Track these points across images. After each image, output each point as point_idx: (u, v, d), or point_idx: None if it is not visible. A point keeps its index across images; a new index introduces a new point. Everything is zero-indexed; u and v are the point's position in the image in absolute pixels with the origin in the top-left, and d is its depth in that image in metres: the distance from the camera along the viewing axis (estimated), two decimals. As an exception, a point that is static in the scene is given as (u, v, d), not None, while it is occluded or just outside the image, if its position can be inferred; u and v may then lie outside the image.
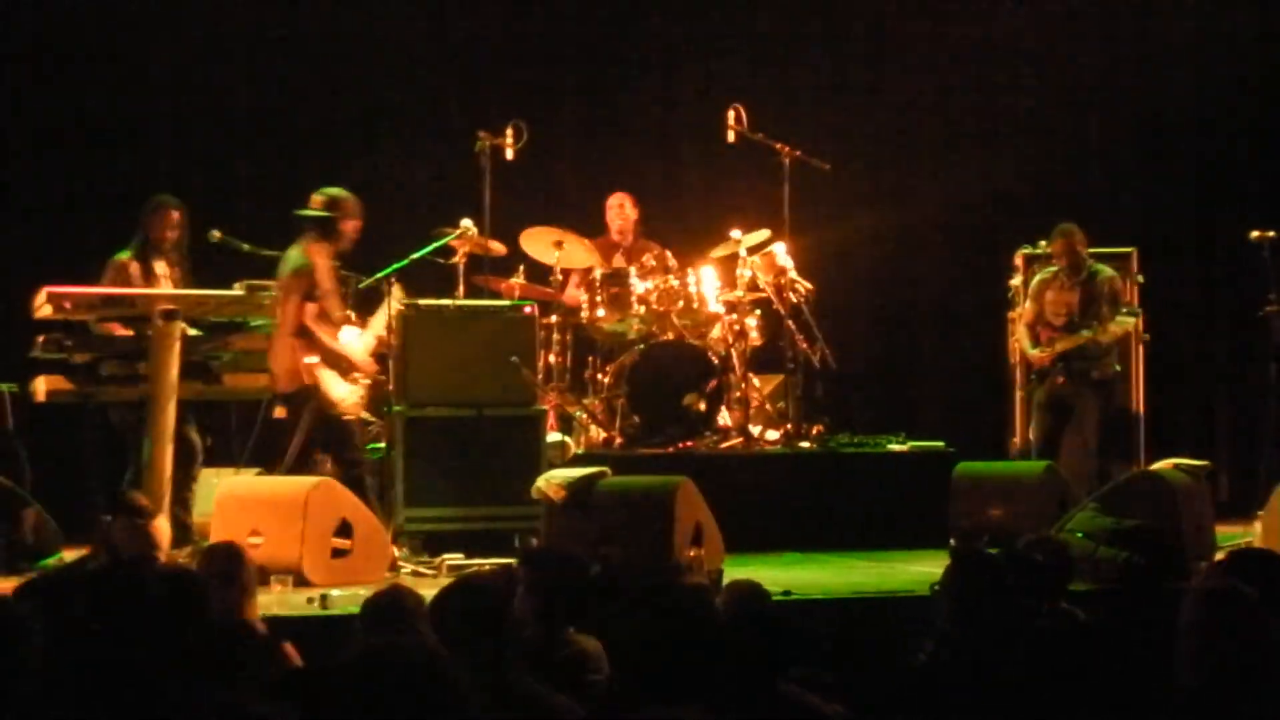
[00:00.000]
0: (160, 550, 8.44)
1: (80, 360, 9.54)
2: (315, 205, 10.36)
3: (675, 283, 11.87)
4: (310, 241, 10.24)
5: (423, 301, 10.76)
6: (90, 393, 9.66)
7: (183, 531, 9.78)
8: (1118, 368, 11.91)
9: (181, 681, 4.64)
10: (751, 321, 12.05)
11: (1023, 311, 12.02)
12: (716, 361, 11.73)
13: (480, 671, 4.99)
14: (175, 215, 10.36)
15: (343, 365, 10.18)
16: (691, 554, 8.83)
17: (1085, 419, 11.59)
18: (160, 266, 10.26)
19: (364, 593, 8.29)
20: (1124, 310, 11.78)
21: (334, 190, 10.39)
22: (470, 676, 4.13)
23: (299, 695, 4.69)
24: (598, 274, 11.96)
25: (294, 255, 10.23)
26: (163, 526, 8.73)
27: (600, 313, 11.89)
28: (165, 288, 10.12)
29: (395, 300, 10.43)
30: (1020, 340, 12.00)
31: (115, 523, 8.44)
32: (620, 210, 12.64)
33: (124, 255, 10.18)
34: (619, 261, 12.31)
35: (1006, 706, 5.24)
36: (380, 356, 10.40)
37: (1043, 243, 12.22)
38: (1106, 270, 11.86)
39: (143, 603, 4.83)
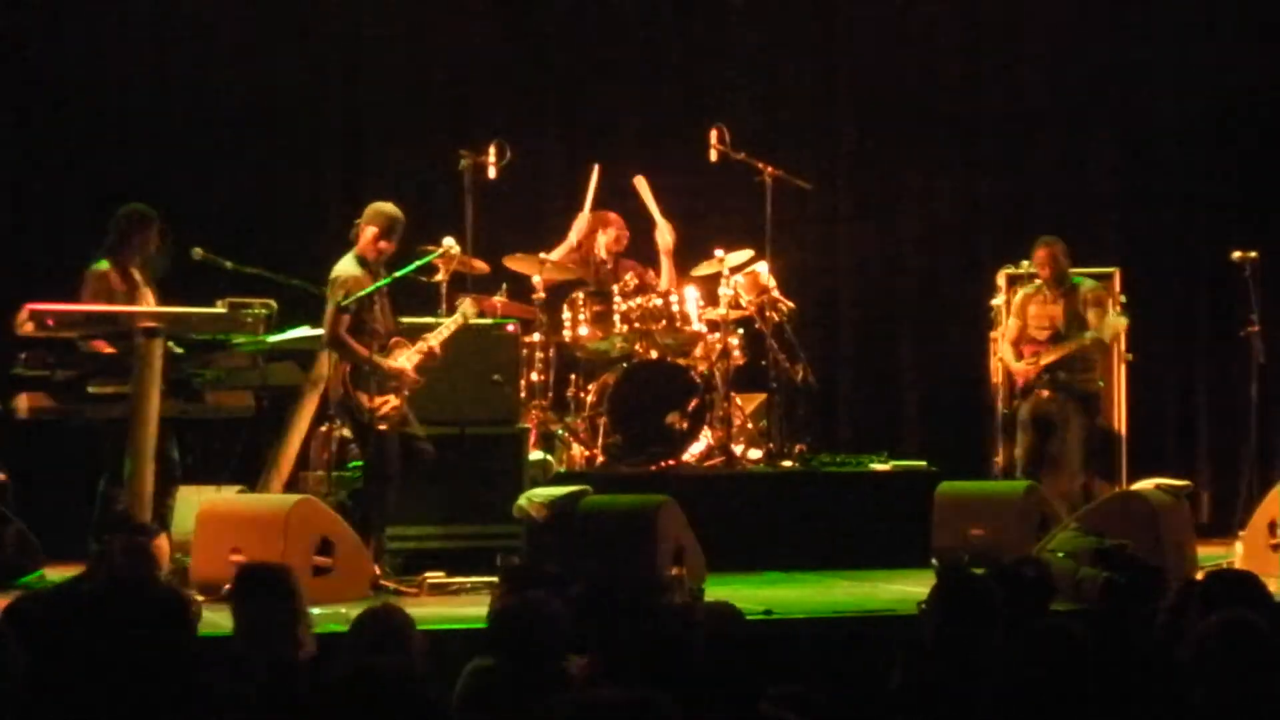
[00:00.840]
0: (161, 568, 8.42)
1: (63, 377, 9.53)
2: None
3: (658, 302, 11.88)
4: (349, 252, 10.26)
5: (405, 320, 10.76)
6: (73, 410, 9.65)
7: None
8: (1101, 383, 11.92)
9: (177, 703, 4.62)
10: (734, 341, 12.06)
11: (1005, 330, 12.05)
12: (699, 380, 11.74)
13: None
14: (153, 227, 10.30)
15: (377, 376, 10.06)
16: (673, 572, 8.84)
17: (1070, 435, 11.60)
18: (138, 276, 10.22)
19: (345, 611, 8.33)
20: (1115, 311, 11.83)
21: (375, 204, 10.42)
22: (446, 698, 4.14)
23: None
24: (580, 294, 11.96)
25: (335, 267, 10.25)
26: (163, 545, 8.72)
27: (583, 331, 11.90)
28: (148, 298, 10.08)
29: (465, 313, 10.42)
30: (1004, 358, 12.01)
31: (115, 541, 8.41)
32: (616, 235, 12.50)
33: (103, 265, 10.10)
34: (602, 278, 12.29)
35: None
36: (424, 370, 10.31)
37: (1025, 262, 12.24)
38: (1089, 281, 11.90)
39: (142, 624, 4.80)
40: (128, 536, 8.41)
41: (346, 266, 10.14)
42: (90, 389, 9.56)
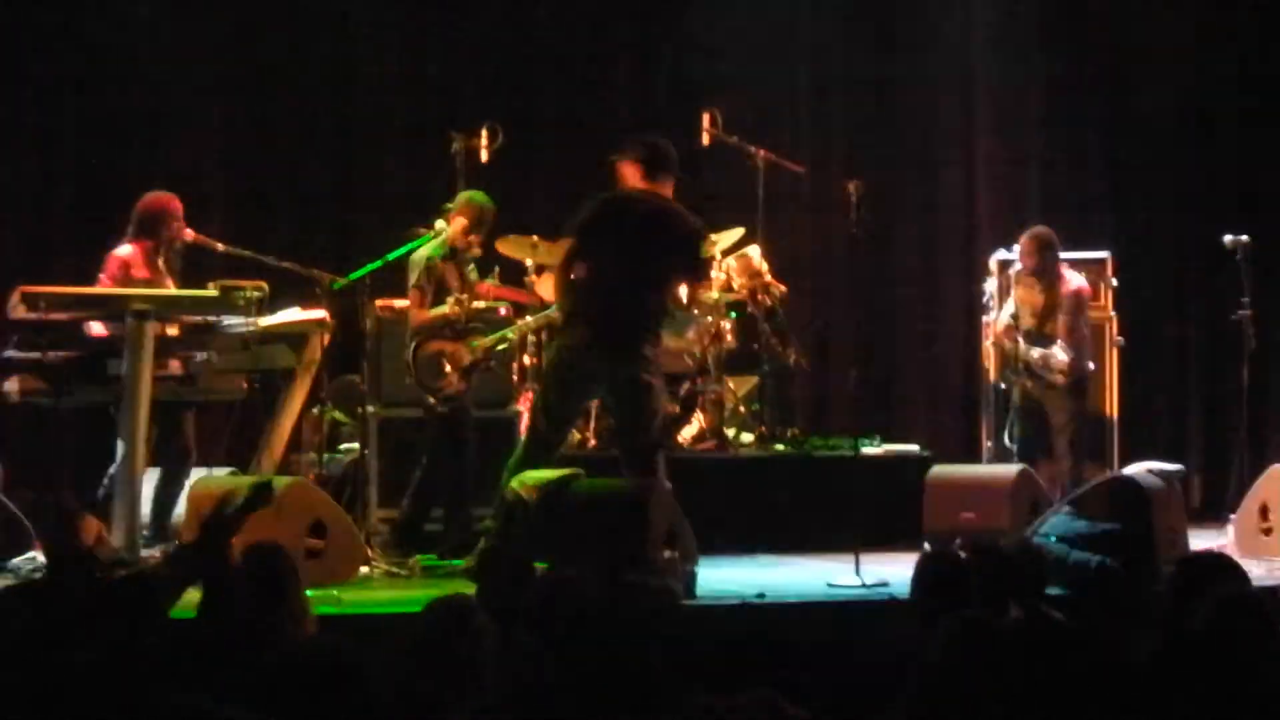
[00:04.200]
0: (99, 548, 8.36)
1: (55, 360, 9.51)
2: None
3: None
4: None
5: (397, 303, 10.77)
6: (64, 393, 9.63)
7: (158, 531, 9.80)
8: (1091, 366, 11.83)
9: (134, 685, 4.60)
10: (726, 324, 12.06)
11: (999, 313, 11.96)
12: (691, 364, 11.74)
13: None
14: (179, 214, 10.31)
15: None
16: (665, 556, 8.83)
17: (1055, 419, 11.55)
18: (162, 265, 10.21)
19: (337, 593, 8.34)
20: (1058, 347, 11.57)
21: (465, 191, 10.66)
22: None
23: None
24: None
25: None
26: (90, 524, 8.64)
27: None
28: (169, 288, 10.07)
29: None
30: (999, 337, 11.90)
31: (41, 525, 8.41)
32: None
33: (125, 251, 10.09)
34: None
35: (982, 709, 5.24)
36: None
37: (1016, 246, 12.24)
38: (1075, 283, 11.70)
39: (83, 607, 4.79)
40: (51, 519, 8.39)
41: (420, 250, 10.33)
42: (78, 372, 9.54)
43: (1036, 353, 11.47)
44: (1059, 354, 11.41)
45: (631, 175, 9.67)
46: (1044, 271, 11.57)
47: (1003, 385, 11.75)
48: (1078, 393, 11.63)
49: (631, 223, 9.50)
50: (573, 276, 9.52)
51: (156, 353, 9.44)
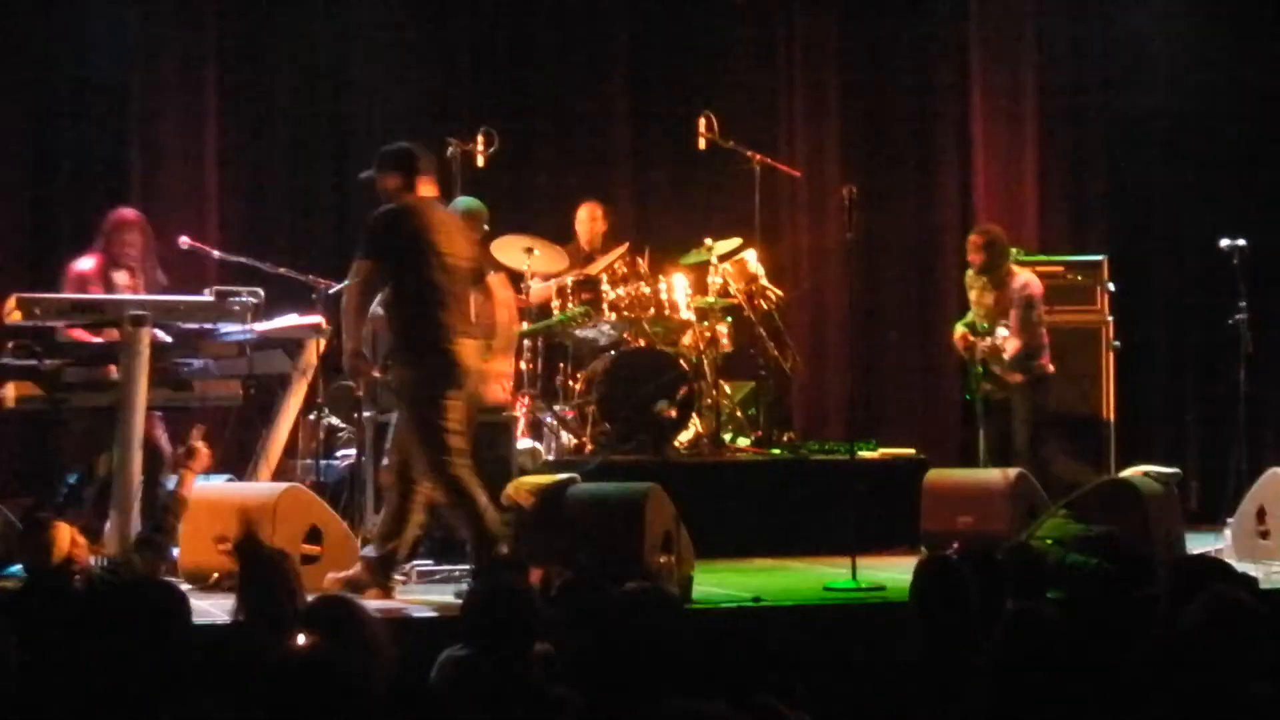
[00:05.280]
0: (75, 554, 8.32)
1: (50, 366, 9.51)
2: None
3: (646, 290, 11.87)
4: None
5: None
6: (60, 399, 9.62)
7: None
8: (1051, 369, 11.75)
9: (132, 696, 4.59)
10: (722, 328, 12.07)
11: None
12: (687, 368, 11.74)
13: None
14: (134, 230, 10.32)
15: None
16: (661, 560, 8.83)
17: (1015, 417, 11.47)
18: (121, 277, 10.21)
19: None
20: (1001, 327, 11.55)
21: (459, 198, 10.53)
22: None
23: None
24: (569, 280, 11.95)
25: None
26: (61, 534, 8.60)
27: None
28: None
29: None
30: (955, 345, 11.83)
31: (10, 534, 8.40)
32: (591, 221, 12.63)
33: (84, 265, 10.12)
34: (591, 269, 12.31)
35: (978, 709, 5.25)
36: None
37: (1013, 249, 12.25)
38: (1023, 277, 11.62)
39: (63, 618, 4.77)
40: (19, 528, 8.36)
41: None
42: (73, 378, 9.54)
43: (986, 342, 11.47)
44: (1001, 331, 11.40)
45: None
46: (991, 269, 11.53)
47: (968, 396, 11.67)
48: (1036, 390, 11.51)
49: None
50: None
51: (112, 359, 9.42)
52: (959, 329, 11.71)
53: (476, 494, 8.91)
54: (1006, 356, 11.42)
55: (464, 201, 10.47)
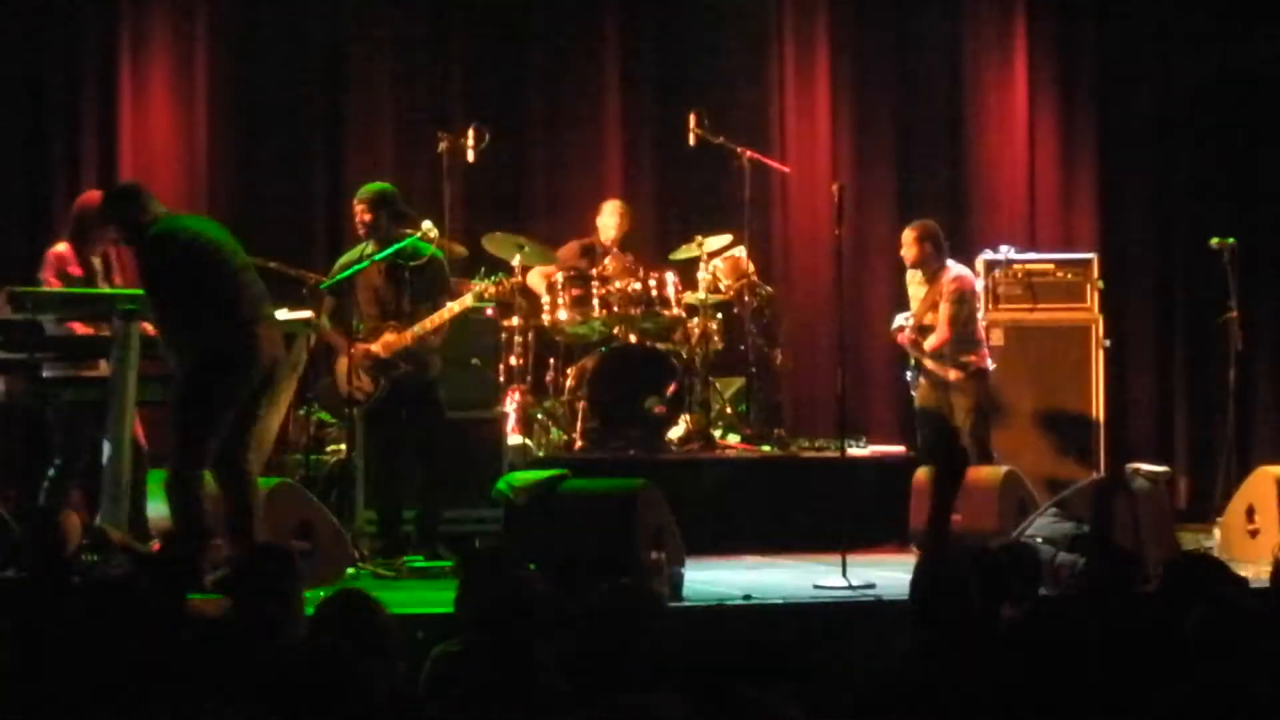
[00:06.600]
0: (70, 548, 8.33)
1: (39, 360, 9.48)
2: None
3: (637, 286, 11.86)
4: None
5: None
6: (49, 393, 9.60)
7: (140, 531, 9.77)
8: (988, 365, 11.53)
9: (136, 691, 4.59)
10: (713, 325, 12.07)
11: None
12: (678, 365, 11.74)
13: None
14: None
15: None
16: (652, 556, 8.83)
17: (955, 417, 11.26)
18: (95, 259, 10.18)
19: (325, 594, 8.30)
20: (931, 353, 11.39)
21: None
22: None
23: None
24: (559, 277, 11.95)
25: None
26: (72, 525, 8.61)
27: (562, 315, 11.89)
28: (100, 281, 10.05)
29: (463, 301, 10.38)
30: (890, 339, 11.73)
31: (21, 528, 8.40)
32: (616, 217, 12.45)
33: (60, 247, 10.08)
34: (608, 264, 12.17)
35: (972, 710, 5.25)
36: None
37: (1004, 246, 12.25)
38: (956, 272, 11.47)
39: (68, 611, 4.77)
40: (40, 519, 8.36)
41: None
42: (62, 372, 9.52)
43: (906, 332, 11.31)
44: (932, 340, 11.28)
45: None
46: (924, 264, 11.42)
47: (913, 392, 11.57)
48: (975, 388, 11.36)
49: None
50: None
51: (96, 353, 9.40)
52: (896, 323, 11.58)
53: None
54: (928, 348, 11.30)
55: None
